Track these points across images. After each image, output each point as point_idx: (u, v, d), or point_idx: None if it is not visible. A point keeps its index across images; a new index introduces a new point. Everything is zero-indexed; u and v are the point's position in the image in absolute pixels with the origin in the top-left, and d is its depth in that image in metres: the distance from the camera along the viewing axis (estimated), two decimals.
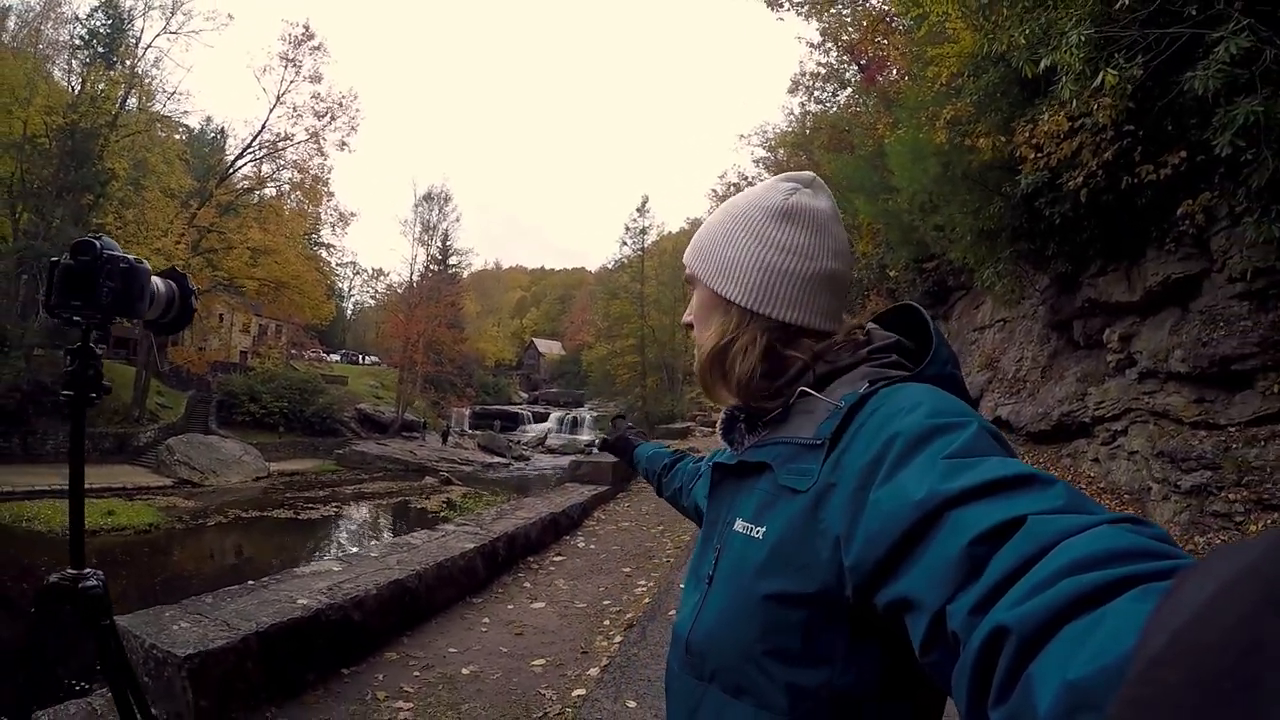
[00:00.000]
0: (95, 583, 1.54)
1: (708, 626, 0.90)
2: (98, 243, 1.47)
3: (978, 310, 15.44)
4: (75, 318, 1.48)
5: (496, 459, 40.78)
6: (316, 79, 33.77)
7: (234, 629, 3.59)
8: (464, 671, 4.25)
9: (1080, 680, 0.39)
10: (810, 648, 0.79)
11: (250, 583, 4.46)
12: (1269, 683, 0.20)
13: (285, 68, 32.74)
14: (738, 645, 0.84)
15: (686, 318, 1.08)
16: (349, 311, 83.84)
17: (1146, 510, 8.03)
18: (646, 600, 5.87)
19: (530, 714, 3.76)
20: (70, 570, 1.54)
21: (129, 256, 1.50)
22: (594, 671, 4.33)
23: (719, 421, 1.06)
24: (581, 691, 4.03)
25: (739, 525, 0.91)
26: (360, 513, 22.70)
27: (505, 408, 59.52)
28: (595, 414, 54.86)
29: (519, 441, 48.91)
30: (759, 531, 0.86)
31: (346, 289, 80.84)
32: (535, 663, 4.47)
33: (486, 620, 5.26)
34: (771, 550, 0.83)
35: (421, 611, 5.11)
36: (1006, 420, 12.32)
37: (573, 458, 15.49)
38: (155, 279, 1.61)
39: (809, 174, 1.03)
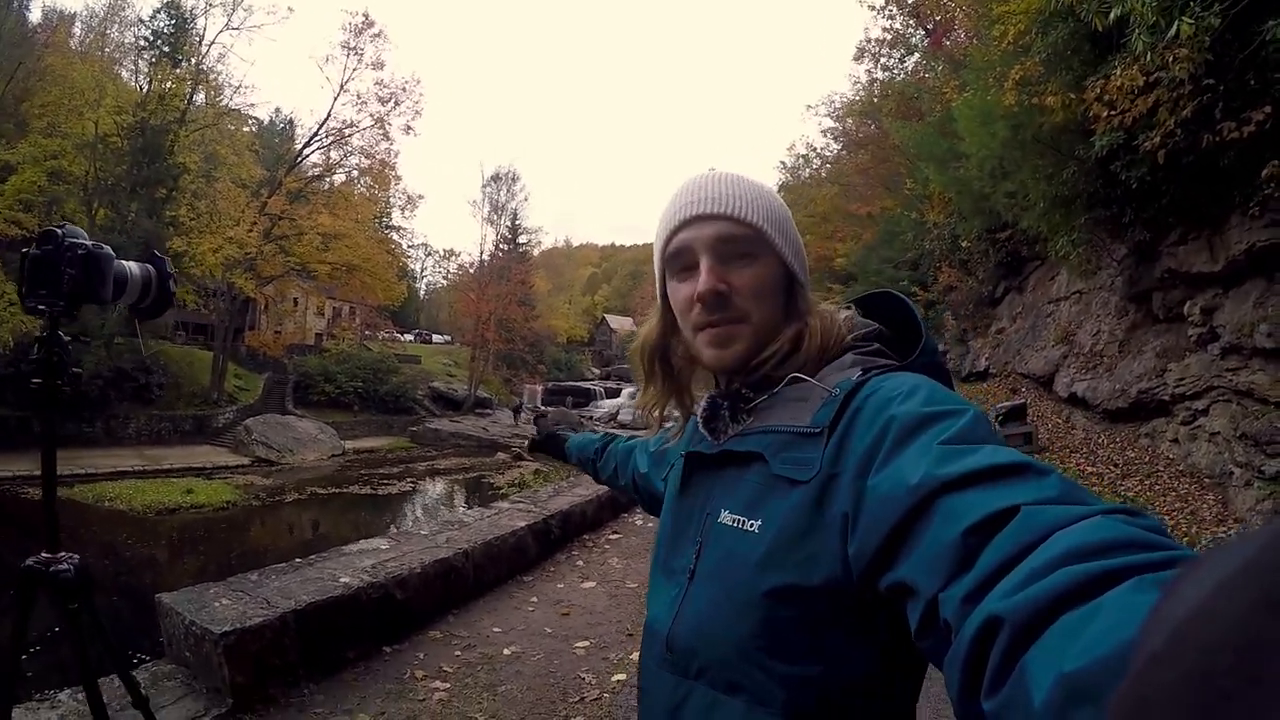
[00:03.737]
0: (67, 566, 1.53)
1: (694, 623, 0.88)
2: (60, 231, 1.50)
3: (1053, 282, 15.08)
4: (40, 306, 1.49)
5: None
6: (379, 66, 34.20)
7: (273, 607, 3.62)
8: (505, 652, 4.21)
9: (1076, 672, 0.39)
10: (811, 641, 0.78)
11: (297, 560, 4.52)
12: (1268, 681, 0.20)
13: (347, 56, 32.95)
14: (733, 642, 0.82)
15: (721, 284, 0.92)
16: (421, 292, 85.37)
17: (1227, 496, 7.69)
18: None
19: (567, 698, 3.70)
20: (44, 554, 1.52)
21: (88, 243, 1.50)
22: (637, 655, 4.23)
23: (700, 409, 1.01)
24: (622, 676, 3.95)
25: (726, 518, 0.87)
26: (434, 488, 22.92)
27: (578, 384, 59.91)
28: None
29: (591, 417, 49.12)
30: (753, 525, 0.83)
31: (419, 270, 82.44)
32: (579, 644, 4.40)
33: (535, 599, 5.23)
34: (772, 544, 0.80)
35: (469, 590, 5.08)
36: (1082, 397, 11.95)
37: (636, 434, 15.39)
38: (130, 265, 1.62)
39: None
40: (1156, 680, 0.24)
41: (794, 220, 0.99)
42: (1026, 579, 0.49)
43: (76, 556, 1.56)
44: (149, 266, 1.66)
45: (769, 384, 0.93)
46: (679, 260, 0.97)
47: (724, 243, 0.93)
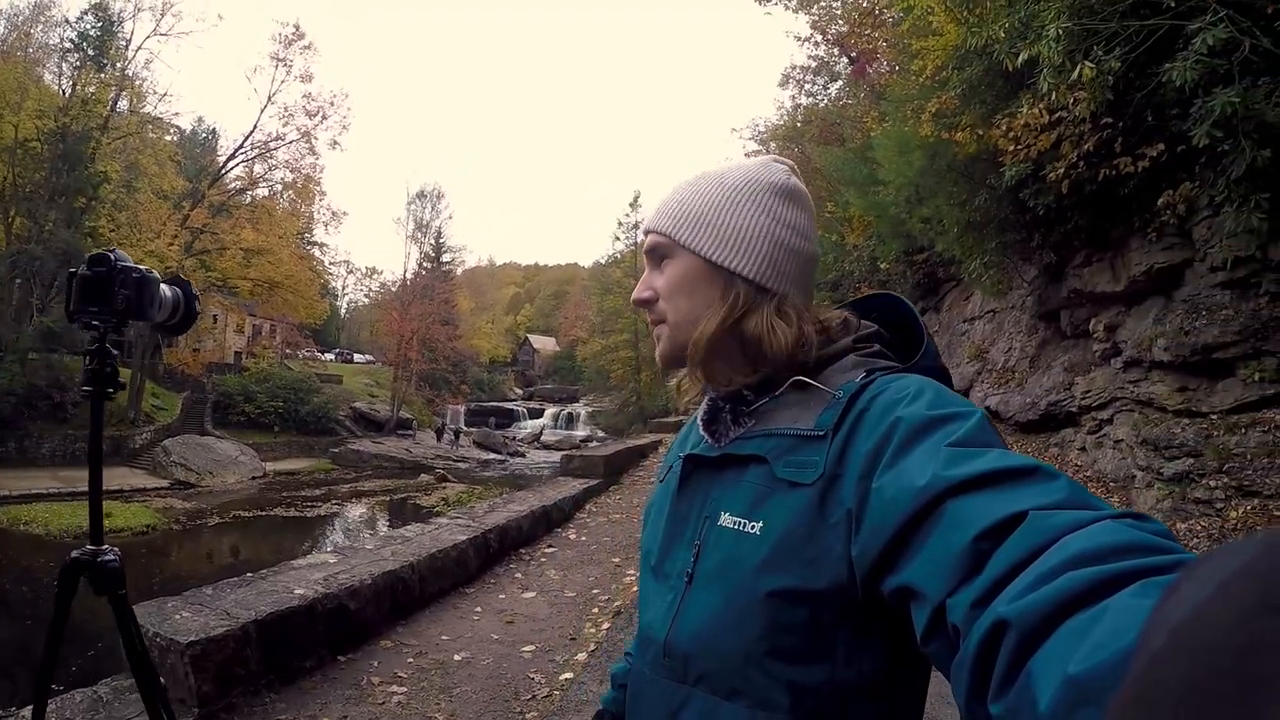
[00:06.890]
0: (112, 558, 1.70)
1: (694, 628, 0.85)
2: (112, 255, 1.66)
3: (968, 302, 15.47)
4: (93, 322, 1.65)
5: (492, 455, 40.30)
6: (307, 78, 33.91)
7: (233, 618, 3.69)
8: (456, 658, 4.35)
9: (1081, 675, 0.39)
10: (815, 644, 0.77)
11: (249, 575, 4.56)
12: (1266, 683, 0.20)
13: (276, 67, 32.81)
14: (736, 646, 0.80)
15: (644, 292, 0.98)
16: (343, 310, 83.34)
17: (1131, 498, 8.10)
18: (635, 589, 5.95)
19: (519, 697, 3.87)
20: (89, 546, 1.70)
21: (140, 267, 1.68)
22: (582, 657, 4.44)
23: (700, 411, 0.99)
24: (569, 675, 4.14)
25: (727, 520, 0.86)
26: (357, 511, 22.53)
27: (501, 404, 59.59)
28: (590, 409, 55.12)
29: (514, 438, 48.66)
30: (755, 527, 0.82)
31: (340, 288, 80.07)
32: (525, 649, 4.57)
33: (479, 609, 5.37)
34: (775, 546, 0.79)
35: (415, 601, 5.20)
36: (996, 410, 12.35)
37: (565, 453, 15.53)
38: (163, 286, 1.78)
39: (787, 160, 1.01)
40: (1156, 681, 0.24)
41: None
42: (1034, 583, 0.49)
43: (118, 549, 1.73)
44: (178, 288, 1.84)
45: (770, 386, 0.92)
46: None
47: (650, 253, 0.98)
